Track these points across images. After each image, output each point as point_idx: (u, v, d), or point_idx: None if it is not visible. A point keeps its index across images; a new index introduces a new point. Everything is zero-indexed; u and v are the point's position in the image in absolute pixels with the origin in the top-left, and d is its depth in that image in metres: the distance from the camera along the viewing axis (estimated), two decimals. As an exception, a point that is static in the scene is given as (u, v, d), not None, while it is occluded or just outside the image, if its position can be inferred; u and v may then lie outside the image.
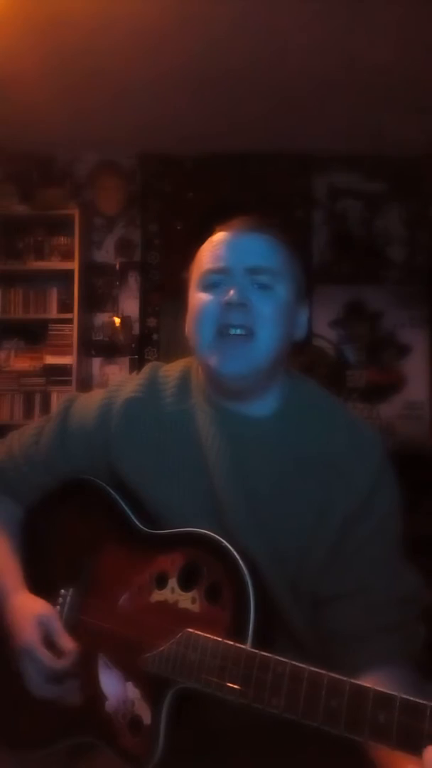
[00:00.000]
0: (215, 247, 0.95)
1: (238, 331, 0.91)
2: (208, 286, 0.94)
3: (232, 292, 0.91)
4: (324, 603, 0.89)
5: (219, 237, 0.97)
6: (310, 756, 0.82)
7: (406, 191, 3.74)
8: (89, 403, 1.05)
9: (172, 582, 0.86)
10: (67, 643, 0.93)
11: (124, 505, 0.99)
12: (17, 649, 0.96)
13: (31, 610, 0.97)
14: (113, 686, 0.90)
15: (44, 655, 0.93)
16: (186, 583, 0.85)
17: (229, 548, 0.82)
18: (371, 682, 0.78)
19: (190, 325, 0.97)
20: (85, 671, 0.93)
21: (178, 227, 3.79)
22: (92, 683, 0.92)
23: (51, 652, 0.93)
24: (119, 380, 1.08)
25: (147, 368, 1.06)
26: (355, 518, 0.89)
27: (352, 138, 3.47)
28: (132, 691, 0.87)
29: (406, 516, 0.94)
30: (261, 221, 0.98)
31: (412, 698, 0.59)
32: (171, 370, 1.04)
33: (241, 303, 0.90)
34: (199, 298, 0.95)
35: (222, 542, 0.83)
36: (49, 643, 0.94)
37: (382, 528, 0.91)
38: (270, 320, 0.91)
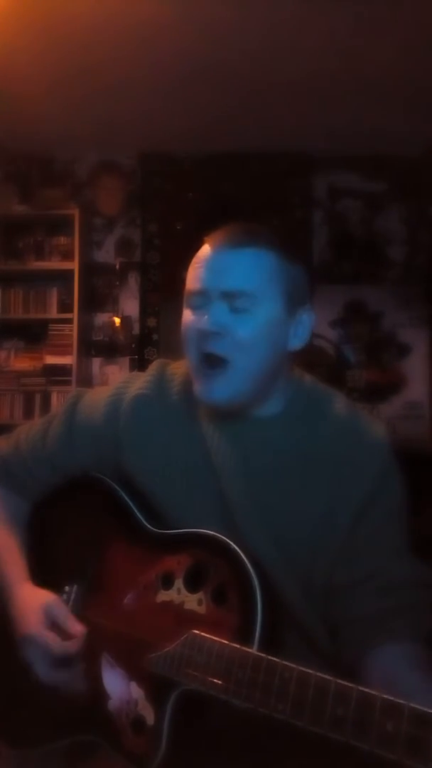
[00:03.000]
0: (198, 265, 0.93)
1: (214, 360, 0.89)
2: (191, 306, 0.93)
3: (206, 318, 0.89)
4: (336, 592, 0.90)
5: (203, 252, 0.93)
6: (314, 758, 0.82)
7: (406, 191, 3.74)
8: (97, 399, 1.04)
9: (179, 583, 0.86)
10: (74, 625, 0.93)
11: (131, 504, 0.98)
12: (21, 638, 0.95)
13: (35, 599, 0.96)
14: (116, 685, 0.90)
15: (50, 639, 0.92)
16: (192, 584, 0.85)
17: (236, 550, 0.81)
18: (382, 660, 0.80)
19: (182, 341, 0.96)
20: (88, 669, 0.93)
21: (178, 227, 3.79)
22: (95, 681, 0.92)
23: (58, 637, 0.92)
24: (127, 377, 1.07)
25: (155, 365, 1.06)
26: (365, 509, 0.90)
27: (352, 138, 3.47)
28: (136, 691, 0.87)
29: (406, 516, 0.95)
30: (249, 231, 0.93)
31: (420, 707, 0.58)
32: (178, 368, 1.04)
33: (215, 332, 0.88)
34: (185, 317, 0.94)
35: (230, 544, 0.82)
36: (55, 628, 0.93)
37: (390, 516, 0.92)
38: (248, 346, 0.89)
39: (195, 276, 0.93)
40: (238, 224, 0.95)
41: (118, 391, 1.03)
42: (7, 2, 2.43)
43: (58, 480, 1.07)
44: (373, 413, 3.64)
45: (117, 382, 1.08)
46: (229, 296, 0.89)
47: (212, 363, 0.90)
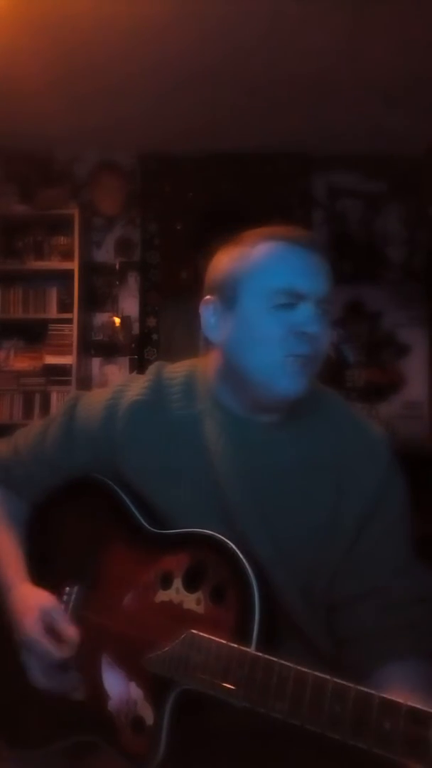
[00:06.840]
0: (288, 262, 0.90)
1: (306, 359, 0.90)
2: (278, 306, 0.89)
3: (312, 324, 0.88)
4: (339, 605, 0.90)
5: (288, 249, 0.90)
6: (312, 759, 0.82)
7: (406, 191, 3.74)
8: (95, 402, 1.04)
9: (177, 582, 0.86)
10: (69, 630, 0.93)
11: (130, 505, 0.98)
12: (19, 640, 0.96)
13: (33, 600, 0.97)
14: (116, 685, 0.90)
15: (46, 644, 0.93)
16: (191, 584, 0.85)
17: (234, 550, 0.81)
18: (387, 679, 0.79)
19: (245, 345, 0.91)
20: (88, 669, 0.93)
21: (178, 227, 3.79)
22: (95, 682, 0.92)
23: (53, 642, 0.93)
24: (125, 380, 1.07)
25: (152, 369, 1.05)
26: (367, 519, 0.90)
27: (352, 138, 3.47)
28: (135, 691, 0.87)
29: (409, 527, 0.95)
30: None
31: (418, 706, 0.58)
32: (176, 372, 1.03)
33: (318, 336, 0.89)
34: (266, 319, 0.89)
35: (227, 543, 0.82)
36: (52, 632, 0.94)
37: (393, 528, 0.91)
38: (326, 345, 0.92)
39: (291, 274, 0.90)
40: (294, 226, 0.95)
41: (116, 395, 1.02)
42: (9, 4, 2.44)
43: (58, 482, 1.07)
44: (372, 413, 3.64)
45: (115, 384, 1.07)
46: (323, 300, 0.91)
47: (304, 361, 0.90)
